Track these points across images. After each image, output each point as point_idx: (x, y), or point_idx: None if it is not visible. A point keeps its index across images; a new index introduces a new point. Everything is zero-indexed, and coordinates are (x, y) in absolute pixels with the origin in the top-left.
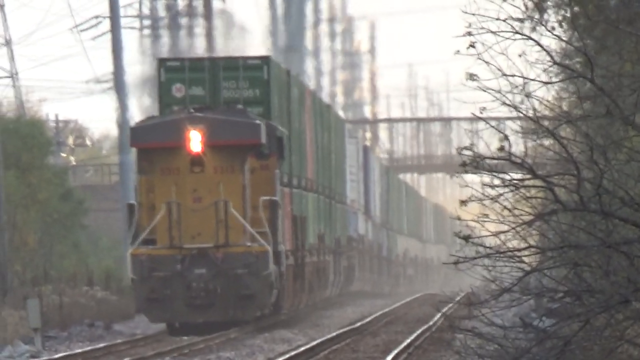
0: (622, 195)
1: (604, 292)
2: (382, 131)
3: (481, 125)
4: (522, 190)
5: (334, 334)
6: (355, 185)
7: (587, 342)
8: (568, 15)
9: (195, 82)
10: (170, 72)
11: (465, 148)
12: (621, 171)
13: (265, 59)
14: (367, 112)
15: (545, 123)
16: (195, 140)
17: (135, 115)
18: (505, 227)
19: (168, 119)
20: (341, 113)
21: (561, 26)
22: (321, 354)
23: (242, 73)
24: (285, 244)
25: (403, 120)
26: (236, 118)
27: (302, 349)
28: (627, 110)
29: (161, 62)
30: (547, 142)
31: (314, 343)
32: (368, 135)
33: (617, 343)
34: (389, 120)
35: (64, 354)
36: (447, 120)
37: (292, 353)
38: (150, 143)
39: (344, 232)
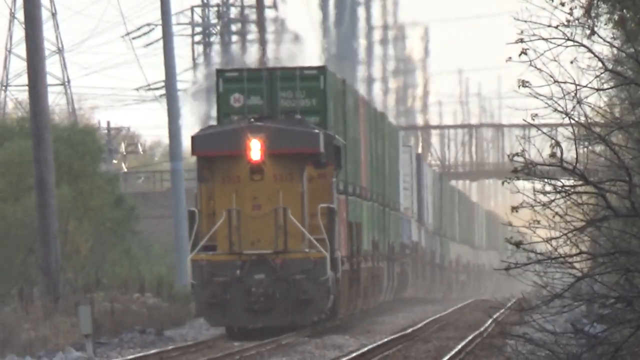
0: None
1: None
2: (434, 138)
3: (533, 131)
4: (574, 196)
5: (386, 339)
6: (409, 193)
7: (638, 348)
8: (616, 17)
9: (253, 92)
10: (229, 82)
11: (517, 154)
12: None
13: (321, 69)
14: (419, 118)
15: (597, 129)
16: (255, 149)
17: (187, 123)
18: (557, 233)
19: (229, 128)
20: (393, 120)
21: (606, 24)
22: None
23: (299, 83)
24: (341, 250)
25: (455, 126)
26: (295, 127)
27: (354, 355)
28: None
29: (219, 73)
30: (598, 148)
31: (365, 349)
32: (420, 142)
33: None
34: (441, 127)
35: None
36: (499, 127)
37: (344, 359)
38: (211, 151)
39: (397, 239)
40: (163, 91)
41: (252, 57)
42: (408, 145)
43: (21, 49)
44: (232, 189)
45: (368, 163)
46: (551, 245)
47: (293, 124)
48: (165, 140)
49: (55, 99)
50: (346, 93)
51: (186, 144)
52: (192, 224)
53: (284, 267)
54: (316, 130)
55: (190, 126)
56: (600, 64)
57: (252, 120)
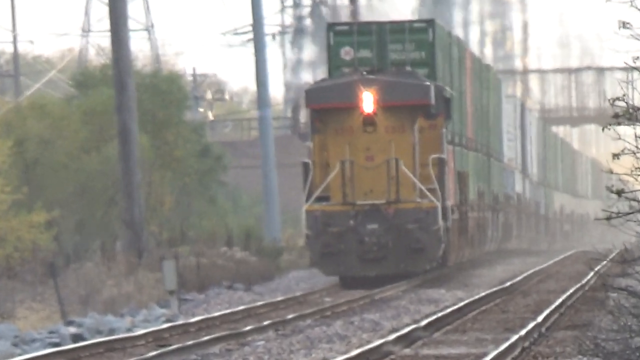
0: None
1: None
2: (533, 82)
3: (635, 75)
4: None
5: (483, 293)
6: (513, 144)
7: None
8: None
9: (363, 45)
10: (339, 36)
11: (618, 99)
12: None
13: (430, 22)
14: (518, 63)
15: None
16: (368, 101)
17: (274, 69)
18: None
19: (341, 81)
20: (491, 63)
21: None
22: (469, 315)
23: (408, 36)
24: (450, 200)
25: (554, 70)
26: (406, 80)
27: (450, 310)
28: None
29: (330, 27)
30: None
31: (461, 304)
32: (518, 86)
33: None
34: (541, 71)
35: (201, 317)
36: (600, 70)
37: (439, 314)
38: (325, 104)
39: (501, 190)
40: (250, 36)
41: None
42: (512, 96)
43: None
44: (345, 141)
45: (473, 114)
46: None
47: (404, 77)
48: (253, 86)
49: (138, 44)
50: (452, 45)
51: (273, 90)
52: (307, 175)
53: (397, 216)
54: (427, 82)
55: (277, 72)
56: None
57: (364, 73)
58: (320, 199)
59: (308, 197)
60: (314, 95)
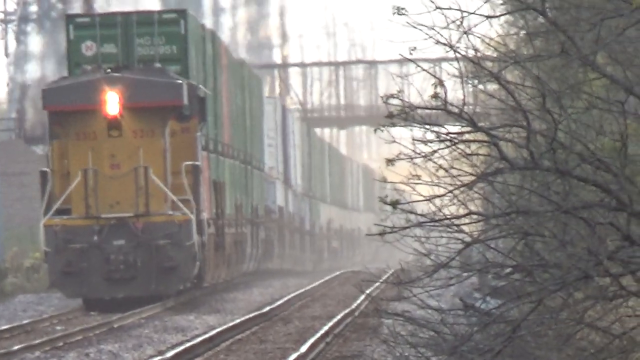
0: (581, 150)
1: (560, 266)
2: (294, 77)
3: (412, 68)
4: (461, 145)
5: (238, 320)
6: (274, 151)
7: (540, 327)
8: None
9: (107, 39)
10: (80, 29)
11: (393, 96)
12: (579, 121)
13: (182, 13)
14: (277, 55)
15: (488, 65)
16: (112, 102)
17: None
18: (441, 190)
19: (83, 80)
20: (244, 55)
21: None
22: (222, 345)
23: (158, 28)
24: (206, 212)
25: (319, 64)
26: (156, 78)
27: (200, 339)
28: (586, 48)
29: (69, 19)
30: (490, 87)
31: (213, 332)
32: (277, 82)
33: (576, 327)
34: (303, 65)
35: None
36: (371, 64)
37: (187, 345)
38: (64, 105)
39: (261, 202)
40: None
41: None
42: (273, 97)
43: None
44: (87, 147)
45: (230, 117)
46: (434, 204)
47: (153, 74)
48: None
49: None
50: (206, 39)
51: None
52: (45, 186)
53: (146, 231)
54: (179, 81)
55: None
56: None
57: (108, 70)
58: (60, 212)
59: (46, 210)
60: (52, 95)
